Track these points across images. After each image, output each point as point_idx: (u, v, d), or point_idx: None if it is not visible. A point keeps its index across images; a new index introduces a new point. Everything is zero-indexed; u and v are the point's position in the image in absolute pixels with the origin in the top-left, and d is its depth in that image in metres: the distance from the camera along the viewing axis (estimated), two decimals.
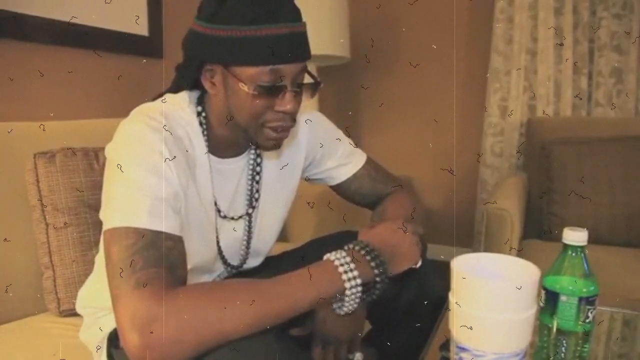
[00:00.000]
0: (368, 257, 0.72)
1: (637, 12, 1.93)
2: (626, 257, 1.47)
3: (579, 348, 0.70)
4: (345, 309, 0.74)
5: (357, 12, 2.44)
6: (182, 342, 0.57)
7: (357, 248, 0.74)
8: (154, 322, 0.57)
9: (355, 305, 0.73)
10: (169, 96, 0.82)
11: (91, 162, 1.16)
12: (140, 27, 1.74)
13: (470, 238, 2.37)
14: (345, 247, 0.74)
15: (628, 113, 1.98)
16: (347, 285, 0.69)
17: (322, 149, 0.97)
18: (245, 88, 0.71)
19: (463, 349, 0.56)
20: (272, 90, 0.73)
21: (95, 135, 1.24)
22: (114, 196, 0.68)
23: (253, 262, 0.97)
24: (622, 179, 1.64)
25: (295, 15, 0.73)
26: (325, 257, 0.72)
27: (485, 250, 1.58)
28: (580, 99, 2.06)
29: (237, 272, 0.97)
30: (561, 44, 2.01)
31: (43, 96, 1.44)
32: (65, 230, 1.11)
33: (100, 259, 0.91)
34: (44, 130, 1.20)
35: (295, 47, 0.72)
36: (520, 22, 2.10)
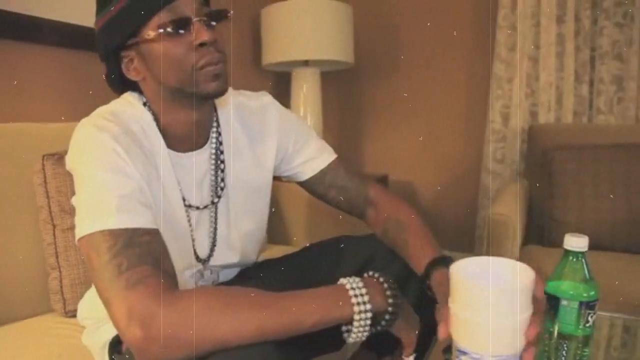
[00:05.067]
0: (385, 285, 0.71)
1: (637, 21, 1.94)
2: (626, 263, 1.48)
3: (579, 352, 0.71)
4: (353, 336, 0.70)
5: (361, 18, 2.46)
6: (181, 340, 0.58)
7: (376, 275, 0.72)
8: (152, 317, 0.57)
9: (365, 334, 0.69)
10: (117, 99, 0.81)
11: None
12: None
13: (472, 244, 2.37)
14: (365, 275, 0.73)
15: (629, 120, 2.00)
16: (356, 309, 0.67)
17: (294, 143, 0.95)
18: (155, 35, 0.70)
19: (463, 353, 0.57)
20: (178, 25, 0.70)
21: None
22: (80, 204, 0.67)
23: (226, 257, 0.92)
24: (623, 186, 1.65)
25: None
26: (339, 282, 0.70)
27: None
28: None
29: (236, 277, 0.96)
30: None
31: (43, 97, 1.44)
32: (72, 231, 1.12)
33: None
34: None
35: None
36: (522, 30, 2.11)
